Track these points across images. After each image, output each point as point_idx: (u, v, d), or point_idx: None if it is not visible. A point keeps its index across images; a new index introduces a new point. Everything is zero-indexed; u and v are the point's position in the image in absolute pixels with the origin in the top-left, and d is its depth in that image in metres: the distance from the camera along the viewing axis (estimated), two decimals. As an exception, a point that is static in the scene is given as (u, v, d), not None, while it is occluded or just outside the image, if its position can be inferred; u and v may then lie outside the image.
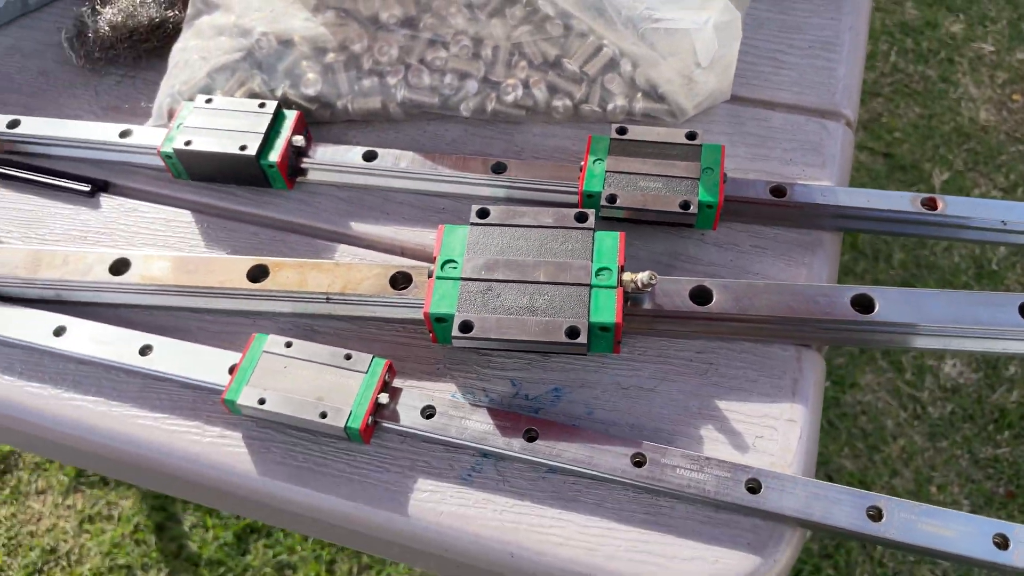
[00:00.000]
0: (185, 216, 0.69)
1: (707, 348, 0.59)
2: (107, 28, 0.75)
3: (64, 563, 1.62)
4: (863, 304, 0.56)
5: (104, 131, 0.70)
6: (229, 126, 0.67)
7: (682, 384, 0.58)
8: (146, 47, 0.76)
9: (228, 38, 0.70)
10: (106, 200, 0.70)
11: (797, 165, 0.68)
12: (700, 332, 0.59)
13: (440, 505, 0.54)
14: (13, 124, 0.71)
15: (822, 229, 0.64)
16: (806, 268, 0.62)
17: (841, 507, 0.51)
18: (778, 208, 0.63)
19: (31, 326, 0.61)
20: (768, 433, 0.55)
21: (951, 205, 0.61)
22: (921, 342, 0.57)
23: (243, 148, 0.65)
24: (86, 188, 0.70)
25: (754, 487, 0.52)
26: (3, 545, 1.61)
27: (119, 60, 0.77)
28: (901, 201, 0.61)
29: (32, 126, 0.71)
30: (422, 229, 0.67)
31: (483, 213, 0.60)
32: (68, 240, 0.68)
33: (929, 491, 1.56)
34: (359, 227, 0.67)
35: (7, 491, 1.67)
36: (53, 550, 1.63)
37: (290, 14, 0.70)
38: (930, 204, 0.61)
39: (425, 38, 0.70)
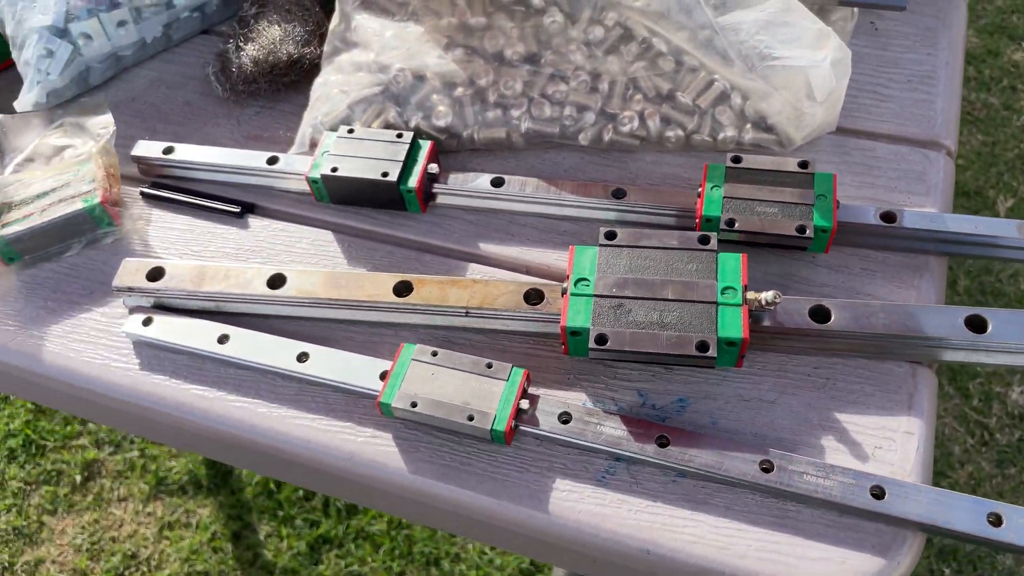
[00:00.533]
0: (327, 236, 0.75)
1: (824, 364, 0.63)
2: (250, 64, 0.82)
3: (144, 568, 1.68)
4: (976, 324, 0.60)
5: (252, 158, 0.77)
6: (371, 154, 0.73)
7: (801, 397, 0.62)
8: (285, 81, 0.83)
9: (367, 74, 0.76)
10: (254, 221, 0.76)
11: (902, 193, 0.71)
12: (817, 348, 0.63)
13: (578, 504, 0.58)
14: (168, 150, 0.78)
15: (928, 253, 0.68)
16: (915, 290, 0.66)
17: (962, 513, 0.54)
18: (888, 234, 0.66)
19: (197, 334, 0.67)
20: (886, 444, 0.59)
21: (1058, 233, 0.64)
22: (1032, 360, 0.60)
23: (385, 175, 0.71)
24: (237, 209, 0.76)
25: (878, 493, 0.55)
26: (87, 550, 1.69)
27: (260, 92, 0.84)
28: (1007, 228, 0.65)
29: (185, 152, 0.78)
30: (545, 250, 0.72)
31: (611, 235, 0.65)
32: (222, 257, 0.74)
33: (1000, 518, 1.55)
34: (487, 247, 0.73)
35: (90, 498, 1.75)
36: (134, 555, 1.70)
37: (424, 52, 0.76)
38: (1036, 231, 0.64)
39: (547, 73, 0.76)
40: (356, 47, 0.78)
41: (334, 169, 0.72)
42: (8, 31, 0.85)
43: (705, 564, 0.55)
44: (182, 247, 0.75)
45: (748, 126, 0.74)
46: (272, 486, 1.70)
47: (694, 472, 0.58)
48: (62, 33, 0.83)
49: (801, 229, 0.65)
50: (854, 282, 0.67)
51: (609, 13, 0.75)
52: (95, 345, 0.69)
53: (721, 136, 0.74)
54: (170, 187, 0.79)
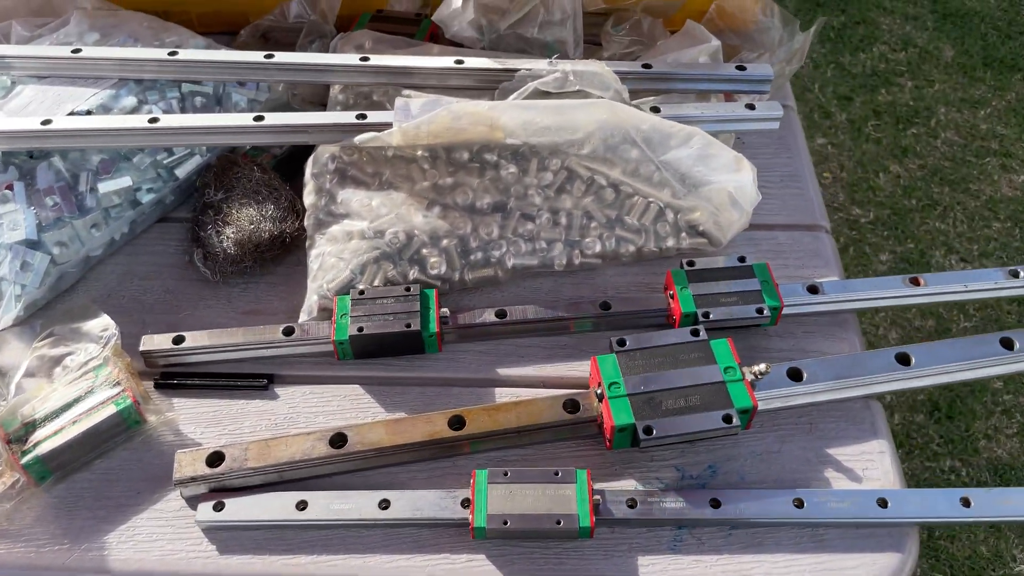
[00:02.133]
0: (357, 390, 0.81)
1: (804, 412, 0.79)
2: (233, 246, 0.87)
3: None
4: (903, 360, 0.79)
5: (267, 332, 0.82)
6: (388, 310, 0.81)
7: (797, 442, 0.77)
8: (268, 257, 0.89)
9: (361, 240, 0.85)
10: (279, 390, 0.81)
11: (808, 268, 0.91)
12: (796, 404, 0.79)
13: (664, 574, 0.69)
14: (178, 340, 0.81)
15: (845, 312, 0.87)
16: (845, 341, 0.85)
17: (941, 503, 0.72)
18: (815, 302, 0.85)
19: (273, 507, 0.71)
20: (869, 464, 0.76)
21: (930, 281, 0.86)
22: (947, 378, 0.80)
23: (408, 326, 0.80)
24: (263, 382, 0.81)
25: (882, 503, 0.71)
26: None
27: (246, 271, 0.89)
28: (895, 283, 0.86)
29: (196, 339, 0.82)
30: (555, 364, 0.84)
31: (621, 342, 0.78)
32: (262, 429, 0.78)
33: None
34: (504, 371, 0.83)
35: None
36: None
37: (411, 214, 0.86)
38: (915, 282, 0.86)
39: (516, 216, 0.89)
40: (345, 218, 0.87)
41: (360, 328, 0.80)
42: (-31, 250, 0.84)
43: (777, 594, 0.68)
44: (216, 429, 0.78)
45: (683, 234, 0.91)
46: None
47: (744, 522, 0.71)
48: (36, 245, 0.84)
49: (760, 310, 0.82)
50: (801, 344, 0.85)
51: (553, 160, 0.89)
52: (164, 541, 0.70)
53: (665, 246, 0.91)
54: (181, 375, 0.82)
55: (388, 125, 0.87)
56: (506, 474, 0.72)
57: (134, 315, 0.87)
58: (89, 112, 0.90)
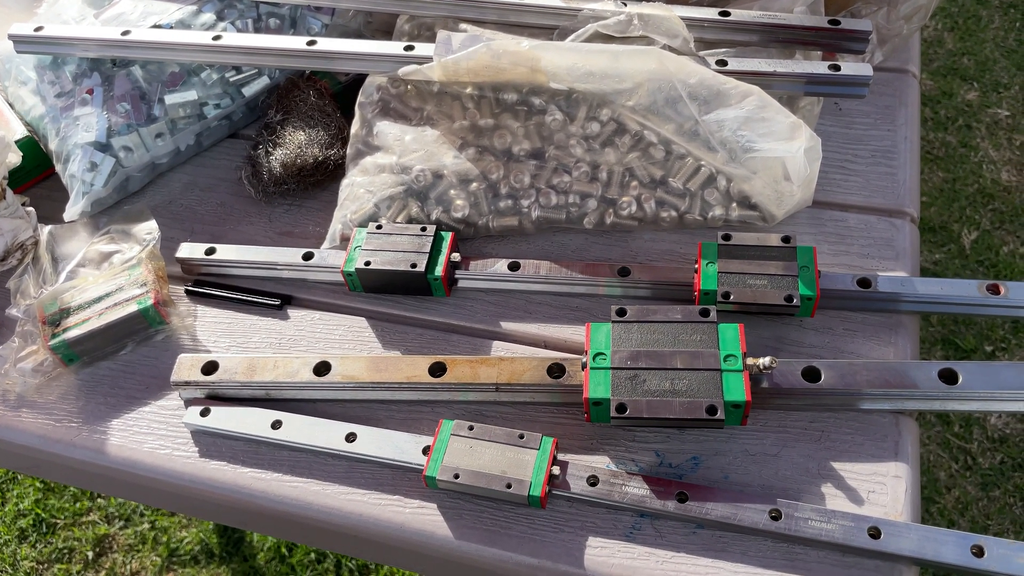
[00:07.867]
0: (362, 322, 0.82)
1: (818, 418, 0.71)
2: (279, 167, 0.90)
3: (162, 641, 1.71)
4: (948, 377, 0.68)
5: (288, 254, 0.84)
6: (399, 247, 0.80)
7: (800, 449, 0.70)
8: (311, 181, 0.91)
9: (390, 174, 0.85)
10: (292, 311, 0.84)
11: (874, 259, 0.80)
12: (811, 405, 0.71)
13: (611, 559, 0.65)
14: (210, 251, 0.86)
15: (901, 313, 0.76)
16: (893, 347, 0.75)
17: (948, 547, 0.62)
18: (864, 297, 0.75)
19: (252, 421, 0.74)
20: (878, 488, 0.67)
21: (1012, 290, 0.73)
22: (998, 406, 0.68)
23: (413, 266, 0.79)
24: (276, 302, 0.83)
25: (874, 533, 0.63)
26: (101, 625, 1.71)
27: (289, 192, 0.91)
28: (969, 288, 0.74)
29: (226, 252, 0.85)
30: (561, 325, 0.80)
31: (621, 312, 0.73)
32: (265, 347, 0.81)
33: (989, 540, 1.62)
34: (508, 325, 0.81)
35: (103, 573, 1.77)
36: (151, 628, 1.72)
37: (441, 153, 0.84)
38: (994, 290, 0.73)
39: (551, 166, 0.85)
40: (379, 150, 0.87)
41: (367, 263, 0.80)
42: (52, 147, 0.92)
43: (727, 606, 0.62)
44: (228, 340, 0.82)
45: (734, 205, 0.83)
46: (284, 550, 1.74)
47: (711, 523, 0.66)
48: (105, 148, 0.90)
49: (789, 298, 0.74)
50: (838, 342, 0.75)
51: (603, 110, 0.84)
52: (156, 436, 0.76)
53: (711, 215, 0.83)
54: (212, 284, 0.86)
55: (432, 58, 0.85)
56: (471, 428, 0.70)
57: (186, 223, 0.93)
58: (171, 27, 0.94)
